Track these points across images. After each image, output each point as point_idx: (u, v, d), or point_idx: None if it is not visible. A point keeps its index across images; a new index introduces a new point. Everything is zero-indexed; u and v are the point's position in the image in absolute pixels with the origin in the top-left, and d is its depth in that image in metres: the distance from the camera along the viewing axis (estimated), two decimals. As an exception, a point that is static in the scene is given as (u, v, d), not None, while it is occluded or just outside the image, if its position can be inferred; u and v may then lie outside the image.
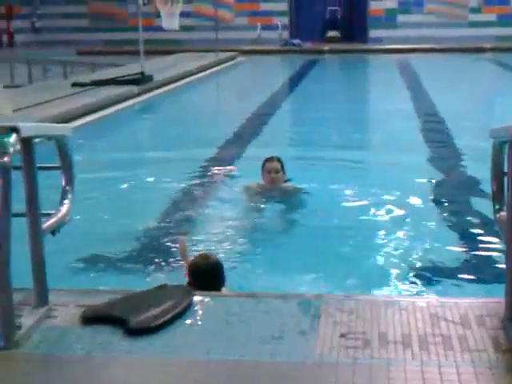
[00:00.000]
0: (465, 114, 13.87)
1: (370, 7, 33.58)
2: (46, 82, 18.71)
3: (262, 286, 5.08)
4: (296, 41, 31.48)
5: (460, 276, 5.50)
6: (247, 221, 6.95)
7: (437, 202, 7.52)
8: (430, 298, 4.18)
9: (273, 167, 7.24)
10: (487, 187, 4.13)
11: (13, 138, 3.38)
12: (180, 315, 3.74)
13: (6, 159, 3.31)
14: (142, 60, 17.31)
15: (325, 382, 3.13)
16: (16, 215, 3.52)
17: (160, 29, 22.80)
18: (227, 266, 4.99)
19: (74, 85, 16.09)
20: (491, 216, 4.06)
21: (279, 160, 7.35)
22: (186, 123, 13.59)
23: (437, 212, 7.15)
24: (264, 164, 7.33)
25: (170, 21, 21.01)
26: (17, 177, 3.48)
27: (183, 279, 4.92)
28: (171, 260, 5.78)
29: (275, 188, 7.35)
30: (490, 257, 5.92)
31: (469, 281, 5.39)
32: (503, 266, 3.66)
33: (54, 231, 3.93)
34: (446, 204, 7.44)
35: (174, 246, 6.05)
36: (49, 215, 3.91)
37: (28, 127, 3.59)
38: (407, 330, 3.57)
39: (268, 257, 5.93)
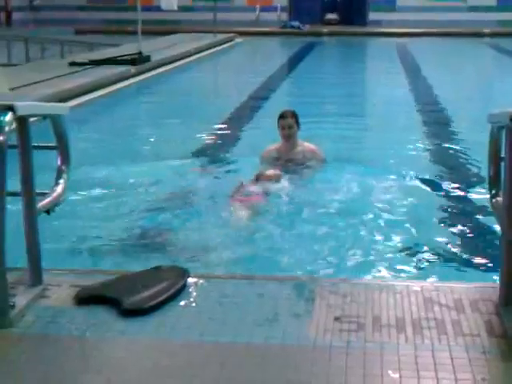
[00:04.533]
0: (462, 97, 13.83)
1: (369, -10, 33.45)
2: (44, 61, 18.58)
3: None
4: (295, 23, 31.22)
5: (455, 260, 5.49)
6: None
7: (432, 185, 7.48)
8: (424, 283, 4.17)
9: (286, 124, 7.49)
10: (483, 171, 4.12)
11: (9, 116, 3.37)
12: (174, 297, 3.75)
13: (1, 138, 3.30)
14: (140, 40, 17.23)
15: (318, 364, 3.14)
16: (10, 194, 3.51)
17: (158, 9, 22.68)
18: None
19: (72, 64, 16.01)
20: (487, 200, 4.06)
21: (293, 113, 7.55)
22: (182, 103, 13.54)
23: (432, 195, 7.12)
24: (278, 120, 7.55)
25: (169, 1, 20.90)
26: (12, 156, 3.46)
27: (178, 261, 4.94)
28: (167, 241, 5.76)
29: (291, 154, 7.54)
30: (485, 242, 5.92)
31: (464, 265, 5.38)
32: (498, 251, 3.66)
33: (49, 210, 3.92)
34: (442, 187, 7.41)
35: (170, 226, 6.05)
36: (44, 194, 3.90)
37: (24, 106, 3.57)
38: (401, 314, 3.57)
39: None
